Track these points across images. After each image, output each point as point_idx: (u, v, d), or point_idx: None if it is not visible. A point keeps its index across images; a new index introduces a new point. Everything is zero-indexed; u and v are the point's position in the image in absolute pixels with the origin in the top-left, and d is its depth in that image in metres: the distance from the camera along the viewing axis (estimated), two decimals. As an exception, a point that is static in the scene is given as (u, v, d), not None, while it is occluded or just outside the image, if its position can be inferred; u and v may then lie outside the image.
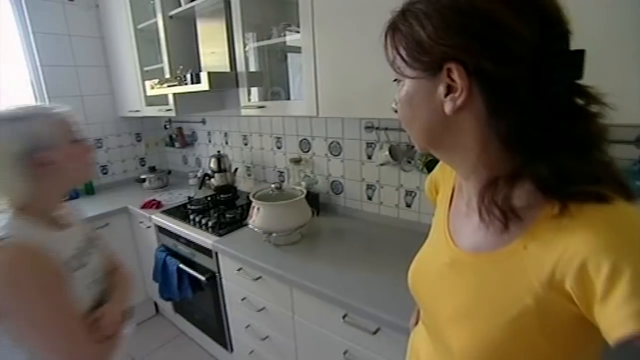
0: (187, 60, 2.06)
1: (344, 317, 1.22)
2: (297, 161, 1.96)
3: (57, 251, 0.81)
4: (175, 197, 2.37)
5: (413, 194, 1.65)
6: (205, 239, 1.71)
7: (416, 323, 0.81)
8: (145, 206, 2.20)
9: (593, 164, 0.44)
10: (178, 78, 1.76)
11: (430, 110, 0.50)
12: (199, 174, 2.62)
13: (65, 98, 2.49)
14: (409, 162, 1.61)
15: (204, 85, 1.60)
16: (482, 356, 0.50)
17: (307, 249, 1.54)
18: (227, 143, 2.47)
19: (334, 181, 1.92)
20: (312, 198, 1.87)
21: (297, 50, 1.65)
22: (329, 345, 1.31)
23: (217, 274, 1.74)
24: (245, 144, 2.34)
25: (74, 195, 2.50)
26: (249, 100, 1.69)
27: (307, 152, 1.99)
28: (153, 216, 2.08)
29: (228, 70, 1.78)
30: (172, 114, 2.12)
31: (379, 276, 1.28)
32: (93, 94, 2.65)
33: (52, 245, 0.81)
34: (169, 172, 2.76)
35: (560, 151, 0.44)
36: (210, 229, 1.78)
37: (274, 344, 1.58)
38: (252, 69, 1.73)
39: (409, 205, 1.68)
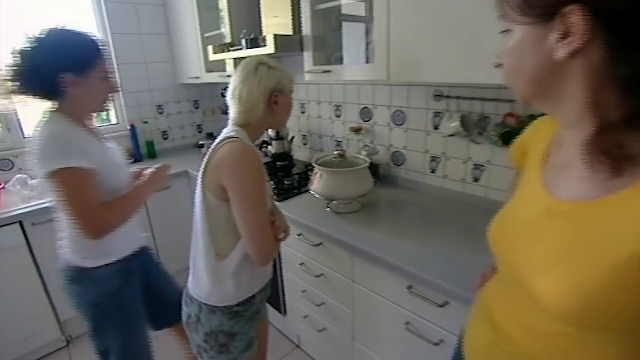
0: (248, 25, 2.04)
1: (409, 288, 1.19)
2: (357, 130, 1.91)
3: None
4: (233, 163, 2.42)
5: (482, 168, 1.55)
6: (265, 203, 1.73)
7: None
8: (205, 171, 2.26)
9: None
10: (242, 42, 1.75)
11: (539, 57, 0.49)
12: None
13: (131, 65, 2.59)
14: (481, 134, 1.51)
15: (269, 48, 1.57)
16: (577, 302, 0.48)
17: (368, 218, 1.52)
18: (283, 111, 2.45)
19: (395, 152, 1.86)
20: (372, 169, 1.81)
21: (352, 19, 1.58)
22: (390, 315, 1.30)
23: (275, 239, 1.77)
24: (303, 113, 2.31)
25: (138, 158, 2.63)
26: (314, 65, 1.64)
27: (368, 121, 1.93)
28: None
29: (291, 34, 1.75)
30: (233, 80, 2.13)
31: (443, 250, 1.23)
32: (155, 61, 2.73)
33: None
34: (226, 139, 2.81)
35: None
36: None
37: (330, 311, 1.59)
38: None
39: (476, 180, 1.59)
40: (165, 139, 2.89)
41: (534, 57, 0.50)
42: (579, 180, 0.53)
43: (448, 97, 1.55)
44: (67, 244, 1.21)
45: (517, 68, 0.54)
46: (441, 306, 1.11)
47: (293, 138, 2.29)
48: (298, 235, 1.59)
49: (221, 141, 1.02)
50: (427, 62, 1.23)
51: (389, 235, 1.36)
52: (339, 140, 2.14)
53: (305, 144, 2.39)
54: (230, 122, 1.10)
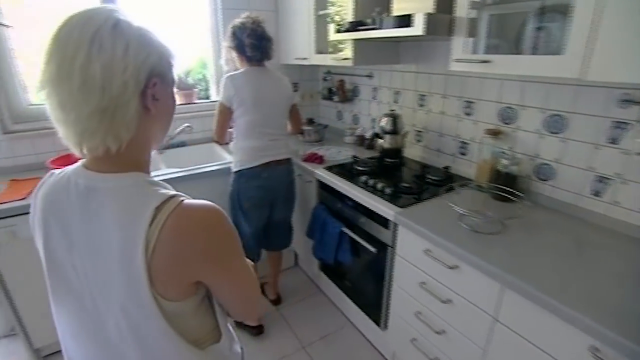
0: (372, 3, 1.81)
1: (593, 351, 0.92)
2: (495, 133, 1.62)
3: None
4: (335, 154, 2.25)
5: (678, 200, 1.21)
6: (385, 208, 1.52)
7: None
8: (307, 159, 2.12)
9: None
10: (376, 21, 1.53)
11: None
12: (357, 132, 2.45)
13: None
14: (687, 156, 1.16)
15: (417, 29, 1.34)
16: None
17: (515, 243, 1.25)
18: (395, 102, 2.22)
19: (542, 164, 1.54)
20: (509, 180, 1.54)
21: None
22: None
23: (389, 247, 1.57)
24: (421, 106, 2.05)
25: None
26: (466, 52, 1.37)
27: (509, 123, 1.63)
28: (317, 171, 1.98)
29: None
30: (349, 63, 1.93)
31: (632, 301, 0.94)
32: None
33: None
34: (326, 126, 2.65)
35: None
36: (387, 197, 1.59)
37: (451, 342, 1.36)
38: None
39: (664, 213, 1.24)
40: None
41: None
42: None
43: (644, 104, 1.22)
44: (286, 144, 1.93)
45: None
46: (649, 386, 0.83)
47: (407, 133, 2.05)
48: (425, 251, 1.37)
49: (158, 210, 0.56)
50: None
51: (555, 273, 1.09)
52: (465, 141, 1.86)
53: (418, 141, 2.13)
54: (83, 162, 0.61)
